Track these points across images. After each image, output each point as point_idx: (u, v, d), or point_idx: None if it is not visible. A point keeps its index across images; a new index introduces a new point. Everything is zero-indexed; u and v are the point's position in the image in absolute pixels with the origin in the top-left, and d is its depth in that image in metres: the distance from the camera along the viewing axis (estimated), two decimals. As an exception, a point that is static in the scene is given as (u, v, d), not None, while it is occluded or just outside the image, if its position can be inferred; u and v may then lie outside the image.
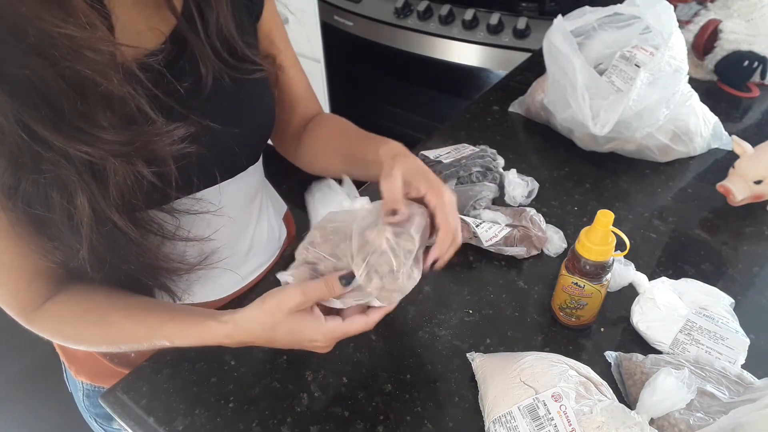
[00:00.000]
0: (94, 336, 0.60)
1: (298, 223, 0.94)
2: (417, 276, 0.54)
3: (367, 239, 0.51)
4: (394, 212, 0.53)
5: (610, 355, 0.62)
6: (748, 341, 0.61)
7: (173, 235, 0.58)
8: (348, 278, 0.51)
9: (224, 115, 0.61)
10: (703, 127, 0.90)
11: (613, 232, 0.59)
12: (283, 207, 0.91)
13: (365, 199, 0.56)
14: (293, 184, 0.79)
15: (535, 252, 0.75)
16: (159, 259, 0.58)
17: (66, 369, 0.82)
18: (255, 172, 0.74)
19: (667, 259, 0.75)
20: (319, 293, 0.51)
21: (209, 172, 0.60)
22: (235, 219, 0.71)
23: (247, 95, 0.64)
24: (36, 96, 0.44)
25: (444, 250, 0.55)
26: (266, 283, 0.77)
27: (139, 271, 0.57)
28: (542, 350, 0.63)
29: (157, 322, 0.56)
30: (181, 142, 0.52)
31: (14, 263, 0.55)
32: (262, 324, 0.51)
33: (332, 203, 0.56)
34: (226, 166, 0.65)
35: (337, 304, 0.53)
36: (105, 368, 0.76)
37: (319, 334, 0.52)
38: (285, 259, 0.81)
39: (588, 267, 0.60)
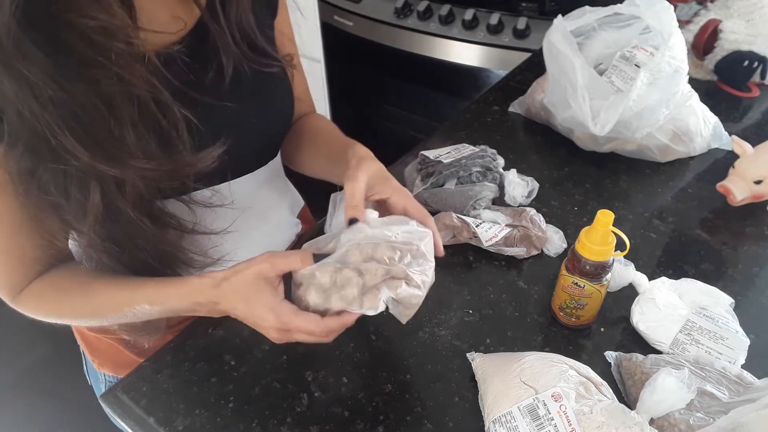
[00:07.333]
0: (77, 308, 0.61)
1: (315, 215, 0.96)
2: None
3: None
4: (353, 220, 0.54)
5: (610, 355, 0.62)
6: (748, 341, 0.61)
7: (192, 229, 0.60)
8: (320, 258, 0.52)
9: (245, 107, 0.62)
10: (703, 127, 0.90)
11: (613, 232, 0.59)
12: (300, 203, 0.92)
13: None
14: (299, 178, 0.80)
15: (535, 252, 0.75)
16: (176, 250, 0.60)
17: (87, 362, 0.83)
18: (268, 169, 0.75)
19: (667, 259, 0.75)
20: (288, 262, 0.52)
21: (222, 168, 0.61)
22: (246, 214, 0.72)
23: (267, 90, 0.66)
24: (71, 116, 0.46)
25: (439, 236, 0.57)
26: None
27: (155, 260, 0.59)
28: (542, 350, 0.63)
29: (137, 283, 0.57)
30: (211, 162, 0.55)
31: (14, 252, 0.57)
32: (233, 286, 0.52)
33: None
34: (241, 164, 0.67)
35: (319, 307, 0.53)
36: (128, 359, 0.77)
37: (272, 312, 0.51)
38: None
39: (588, 267, 0.60)
